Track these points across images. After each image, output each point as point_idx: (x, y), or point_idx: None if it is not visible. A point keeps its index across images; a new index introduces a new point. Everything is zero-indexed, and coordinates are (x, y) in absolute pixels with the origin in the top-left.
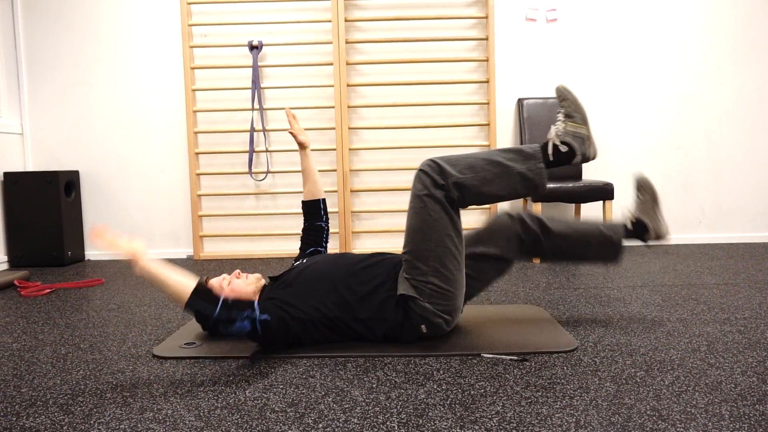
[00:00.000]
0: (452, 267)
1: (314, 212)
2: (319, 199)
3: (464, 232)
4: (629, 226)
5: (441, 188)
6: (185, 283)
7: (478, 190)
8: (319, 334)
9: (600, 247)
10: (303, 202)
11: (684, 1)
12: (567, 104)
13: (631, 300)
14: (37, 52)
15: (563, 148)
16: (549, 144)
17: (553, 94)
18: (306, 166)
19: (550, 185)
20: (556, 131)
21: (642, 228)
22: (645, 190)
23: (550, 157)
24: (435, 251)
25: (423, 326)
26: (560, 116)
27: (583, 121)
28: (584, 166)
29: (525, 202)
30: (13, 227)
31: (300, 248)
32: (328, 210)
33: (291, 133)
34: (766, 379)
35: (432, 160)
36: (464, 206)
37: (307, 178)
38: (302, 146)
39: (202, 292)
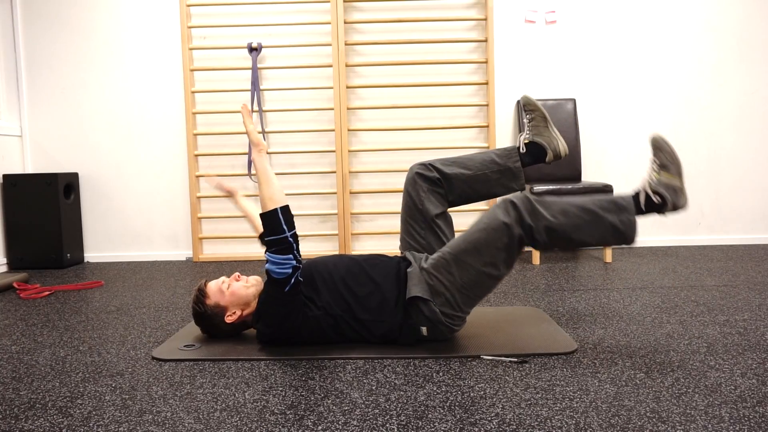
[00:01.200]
0: (477, 293)
1: None
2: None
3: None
4: (523, 149)
5: (525, 228)
6: (283, 195)
7: (569, 236)
8: (319, 332)
9: (501, 178)
10: (260, 237)
11: (683, 2)
12: (663, 155)
13: (630, 302)
14: (37, 54)
15: (656, 200)
16: (641, 193)
17: (554, 96)
18: (243, 210)
19: (549, 186)
20: (649, 181)
21: (538, 150)
22: (532, 110)
23: (642, 206)
24: (476, 272)
25: (424, 328)
26: (654, 166)
27: (678, 173)
28: (583, 167)
29: None
30: (12, 229)
31: None
32: (328, 212)
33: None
34: (766, 381)
35: (527, 197)
36: (544, 249)
37: (251, 218)
38: (257, 146)
39: (290, 212)
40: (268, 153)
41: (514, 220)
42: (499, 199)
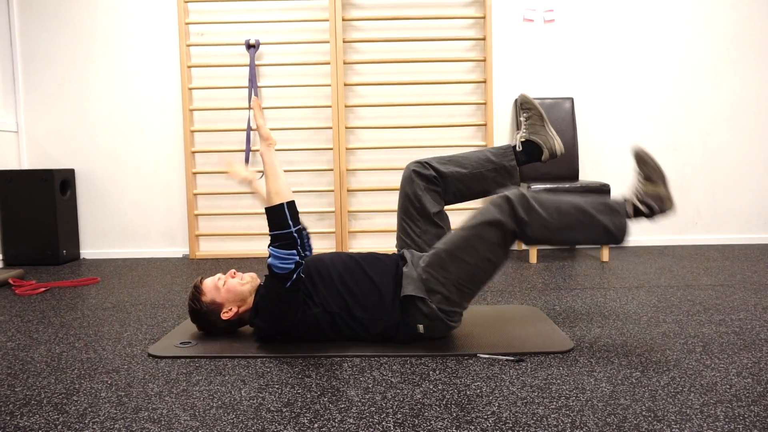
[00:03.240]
0: (473, 288)
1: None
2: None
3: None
4: (519, 147)
5: (518, 223)
6: (289, 190)
7: (561, 235)
8: (317, 329)
9: (496, 176)
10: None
11: (681, 2)
12: (646, 168)
13: (626, 301)
14: (33, 49)
15: (644, 209)
16: (629, 203)
17: (552, 94)
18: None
19: (546, 185)
20: (636, 193)
21: (534, 148)
22: (529, 109)
23: (631, 215)
24: (471, 267)
25: (421, 326)
26: (640, 178)
27: (663, 182)
28: (580, 166)
29: None
30: (8, 225)
31: None
32: (326, 209)
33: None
34: (761, 380)
35: (523, 193)
36: (533, 244)
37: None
38: (267, 140)
39: (294, 206)
40: None
41: (508, 216)
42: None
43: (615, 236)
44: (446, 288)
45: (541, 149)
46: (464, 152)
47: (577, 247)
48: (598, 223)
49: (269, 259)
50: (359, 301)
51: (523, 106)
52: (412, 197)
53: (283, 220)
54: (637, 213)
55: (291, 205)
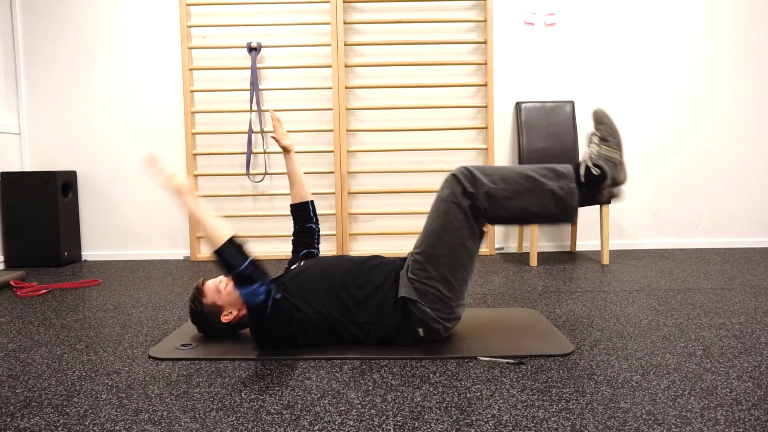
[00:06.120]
0: (459, 277)
1: (304, 214)
2: (307, 201)
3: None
4: (583, 174)
5: (469, 197)
6: (223, 229)
7: (509, 203)
8: (316, 336)
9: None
10: (291, 205)
11: (682, 6)
12: (603, 128)
13: (627, 304)
14: (36, 52)
15: (595, 171)
16: (581, 165)
17: (553, 98)
18: (291, 170)
19: None
20: (589, 153)
21: (599, 177)
22: (603, 122)
23: (582, 178)
24: (448, 258)
25: (420, 330)
26: (595, 139)
27: (618, 146)
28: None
29: None
30: (10, 227)
31: (292, 251)
32: (327, 212)
33: (273, 137)
34: (762, 384)
35: (466, 168)
36: (490, 220)
37: (293, 181)
38: (286, 150)
39: (236, 243)
40: (267, 153)
41: (458, 193)
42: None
43: (564, 201)
44: (433, 287)
45: (605, 175)
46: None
47: (528, 222)
48: (545, 188)
49: (241, 297)
50: (361, 306)
51: (599, 120)
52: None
53: (231, 261)
54: (588, 176)
55: (230, 244)
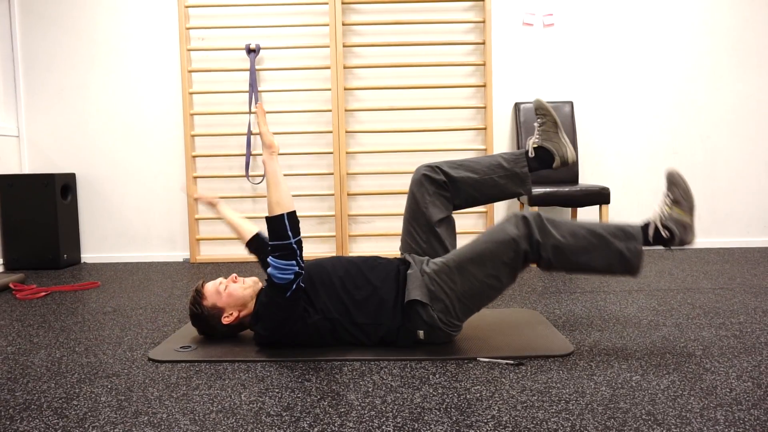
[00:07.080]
0: (476, 303)
1: (261, 245)
2: (257, 233)
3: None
4: (531, 153)
5: (532, 244)
6: (291, 199)
7: (575, 258)
8: (317, 336)
9: (508, 183)
10: (246, 245)
11: (681, 6)
12: (677, 191)
13: (626, 304)
14: (35, 54)
15: (665, 234)
16: (651, 225)
17: (552, 98)
18: (227, 219)
19: (546, 189)
20: (660, 214)
21: (546, 155)
22: (544, 114)
23: (650, 238)
24: (478, 282)
25: (421, 332)
26: (667, 200)
27: (690, 210)
28: (580, 170)
29: (522, 206)
30: (9, 230)
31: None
32: (326, 213)
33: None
34: (761, 384)
35: (539, 214)
36: (549, 269)
37: (233, 227)
38: (270, 148)
39: (295, 216)
40: None
41: (522, 235)
42: (510, 213)
43: (630, 262)
44: (450, 299)
45: (553, 156)
46: (476, 157)
47: (584, 274)
48: (613, 247)
49: (269, 269)
50: (360, 307)
51: (537, 111)
52: (420, 202)
53: (283, 231)
54: (657, 237)
55: (291, 215)
